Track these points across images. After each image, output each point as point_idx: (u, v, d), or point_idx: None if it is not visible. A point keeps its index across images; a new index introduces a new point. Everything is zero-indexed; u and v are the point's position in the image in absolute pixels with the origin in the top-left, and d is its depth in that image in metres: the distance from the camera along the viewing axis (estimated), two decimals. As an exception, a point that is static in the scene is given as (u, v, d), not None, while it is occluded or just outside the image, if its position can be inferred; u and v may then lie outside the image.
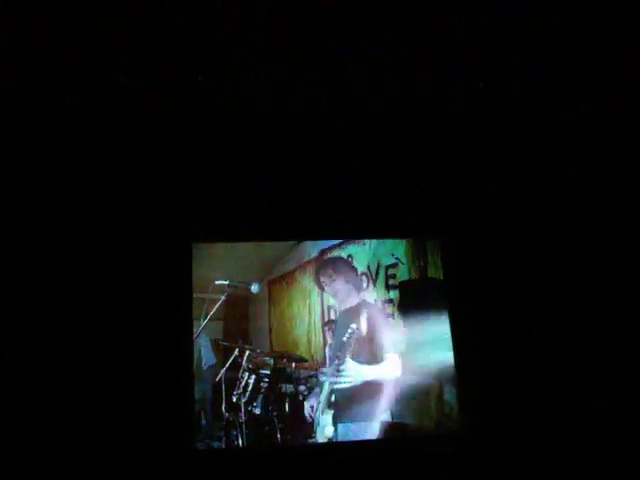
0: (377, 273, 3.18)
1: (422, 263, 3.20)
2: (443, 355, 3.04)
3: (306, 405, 2.96)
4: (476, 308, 3.11)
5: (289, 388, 3.01)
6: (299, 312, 3.14)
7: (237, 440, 2.83)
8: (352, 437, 2.90)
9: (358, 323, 3.04)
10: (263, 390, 2.97)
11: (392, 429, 2.93)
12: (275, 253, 3.21)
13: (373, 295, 3.15)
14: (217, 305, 2.99)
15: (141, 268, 2.90)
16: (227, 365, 2.95)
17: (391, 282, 3.15)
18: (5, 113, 2.81)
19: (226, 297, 3.02)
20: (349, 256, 3.20)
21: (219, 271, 3.03)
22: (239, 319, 3.10)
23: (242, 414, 2.87)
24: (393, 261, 3.18)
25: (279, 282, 3.21)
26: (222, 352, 2.99)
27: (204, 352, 2.98)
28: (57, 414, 2.65)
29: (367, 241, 3.22)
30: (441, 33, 2.54)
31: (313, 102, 2.96)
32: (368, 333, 3.04)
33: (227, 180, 3.10)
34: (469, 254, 3.19)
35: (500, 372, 3.01)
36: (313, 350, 3.08)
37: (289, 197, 3.14)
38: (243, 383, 2.95)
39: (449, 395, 3.02)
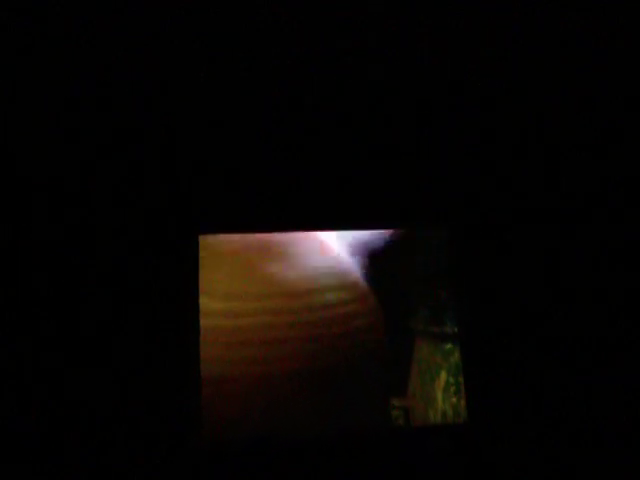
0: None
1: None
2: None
3: None
4: (483, 298, 3.12)
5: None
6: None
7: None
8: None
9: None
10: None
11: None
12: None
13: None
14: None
15: (146, 261, 2.91)
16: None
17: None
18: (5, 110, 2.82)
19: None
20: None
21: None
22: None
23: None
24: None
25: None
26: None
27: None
28: (61, 411, 2.67)
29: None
30: (449, 29, 2.54)
31: (319, 90, 2.96)
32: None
33: (234, 170, 3.10)
34: (474, 244, 3.19)
35: (507, 363, 3.02)
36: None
37: (297, 187, 3.14)
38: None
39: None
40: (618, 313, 3.08)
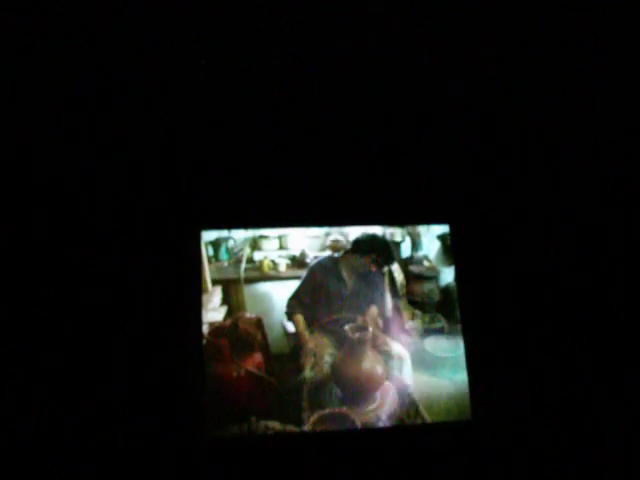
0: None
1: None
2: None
3: None
4: (483, 298, 3.13)
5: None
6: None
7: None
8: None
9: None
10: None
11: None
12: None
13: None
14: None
15: (148, 256, 2.90)
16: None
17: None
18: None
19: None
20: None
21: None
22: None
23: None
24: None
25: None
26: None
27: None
28: (61, 411, 2.67)
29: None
30: (449, 29, 2.55)
31: (319, 90, 2.97)
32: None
33: (236, 164, 3.10)
34: (474, 244, 3.20)
35: (509, 362, 3.02)
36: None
37: (298, 183, 3.14)
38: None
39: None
40: (618, 313, 3.08)
